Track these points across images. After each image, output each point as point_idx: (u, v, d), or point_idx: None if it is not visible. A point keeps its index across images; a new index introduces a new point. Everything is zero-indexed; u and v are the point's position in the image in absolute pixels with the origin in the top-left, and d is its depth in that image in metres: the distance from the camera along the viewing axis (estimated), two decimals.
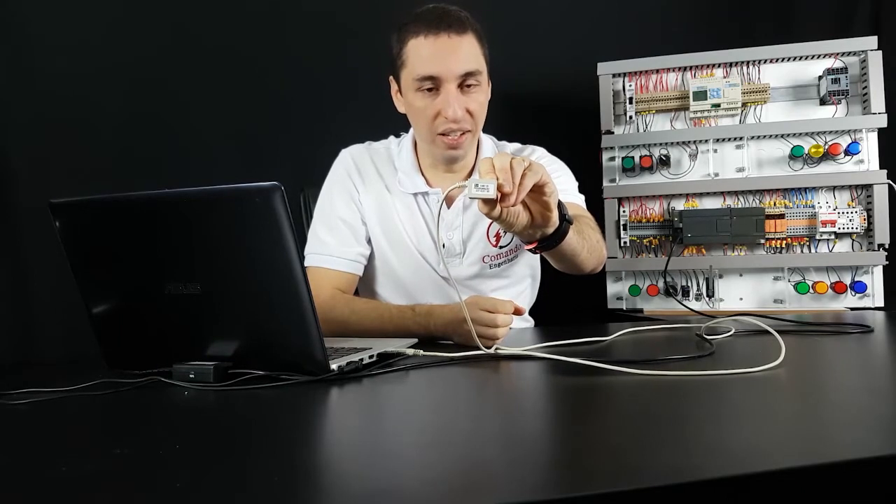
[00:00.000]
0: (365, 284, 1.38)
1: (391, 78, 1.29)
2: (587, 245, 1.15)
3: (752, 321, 1.06)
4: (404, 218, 1.32)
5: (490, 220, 1.29)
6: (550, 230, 0.98)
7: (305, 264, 1.24)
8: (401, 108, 1.30)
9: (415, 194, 1.32)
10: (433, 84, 1.17)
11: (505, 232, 1.32)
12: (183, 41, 1.82)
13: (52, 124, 1.69)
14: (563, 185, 1.33)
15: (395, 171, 1.34)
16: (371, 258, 1.35)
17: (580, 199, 1.36)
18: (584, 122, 1.84)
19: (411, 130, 1.36)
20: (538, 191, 0.91)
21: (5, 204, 1.66)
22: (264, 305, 0.80)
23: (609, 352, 1.01)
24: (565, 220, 1.01)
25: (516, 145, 1.44)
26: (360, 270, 1.33)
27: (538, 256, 1.39)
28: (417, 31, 1.17)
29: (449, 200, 1.33)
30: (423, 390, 0.77)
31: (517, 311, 1.06)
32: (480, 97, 1.21)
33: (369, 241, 1.34)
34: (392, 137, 1.42)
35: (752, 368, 0.74)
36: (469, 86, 1.18)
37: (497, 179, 0.85)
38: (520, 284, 1.41)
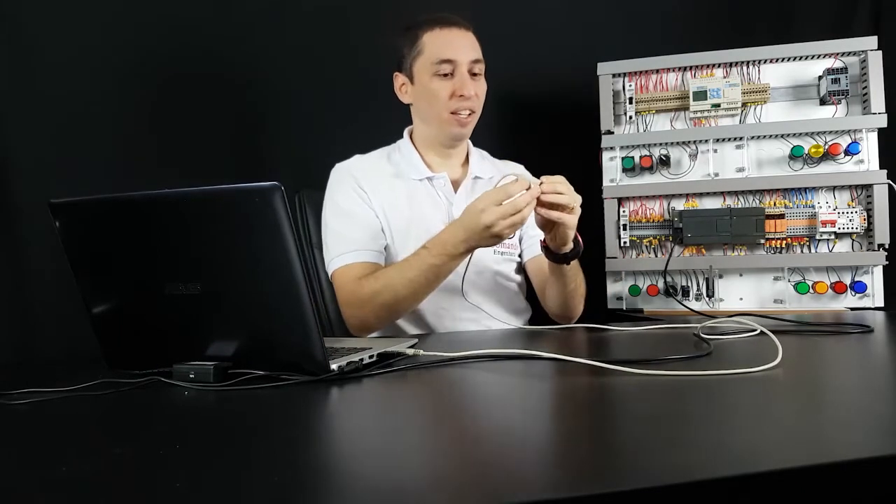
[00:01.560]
0: None
1: (396, 73, 1.41)
2: (576, 287, 1.34)
3: (749, 322, 1.06)
4: (415, 202, 1.39)
5: None
6: (558, 252, 1.22)
7: (337, 265, 1.31)
8: (406, 99, 1.42)
9: (419, 180, 1.41)
10: (450, 68, 1.33)
11: None
12: (182, 41, 1.82)
13: (52, 124, 1.68)
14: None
15: (397, 164, 1.43)
16: (391, 252, 1.39)
17: None
18: (584, 122, 1.83)
19: (407, 129, 1.47)
20: (560, 224, 1.14)
21: (5, 204, 1.66)
22: (264, 305, 0.80)
23: (608, 352, 1.01)
24: (574, 253, 1.23)
25: (495, 159, 1.56)
26: (383, 261, 1.37)
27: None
28: (431, 26, 1.35)
29: (455, 184, 1.42)
30: (423, 390, 0.77)
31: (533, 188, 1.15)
32: (484, 84, 1.38)
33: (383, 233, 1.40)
34: (381, 148, 1.49)
35: (750, 369, 0.74)
36: (476, 74, 1.35)
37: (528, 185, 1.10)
38: (516, 277, 1.46)
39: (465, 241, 1.15)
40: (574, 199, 1.13)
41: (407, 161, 1.42)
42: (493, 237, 1.11)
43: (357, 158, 1.45)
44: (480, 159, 1.49)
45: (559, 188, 1.11)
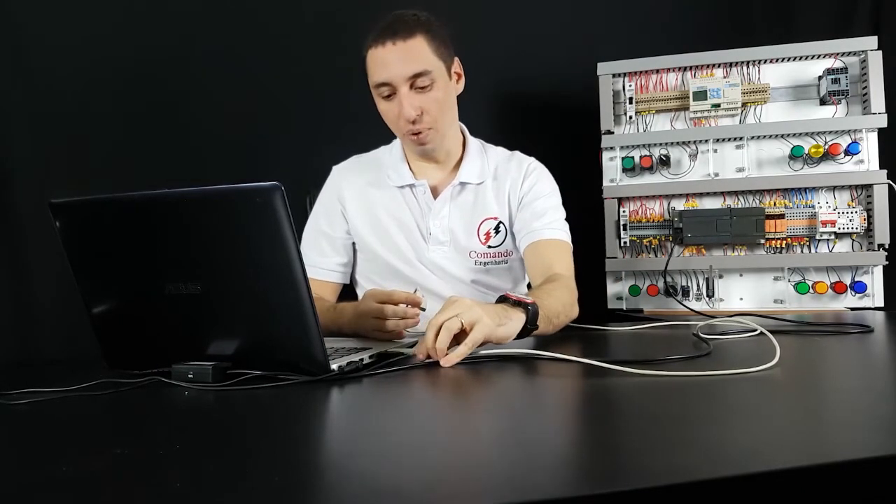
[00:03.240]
0: (372, 284, 1.42)
1: None
2: (553, 325, 1.11)
3: (749, 322, 1.06)
4: (392, 210, 1.38)
5: (482, 219, 1.37)
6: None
7: None
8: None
9: (401, 187, 1.38)
10: (388, 90, 1.24)
11: (496, 233, 1.38)
12: (184, 41, 1.82)
13: (52, 124, 1.69)
14: (548, 215, 1.35)
15: (385, 169, 1.40)
16: (370, 259, 1.40)
17: (564, 232, 1.36)
18: (584, 122, 1.84)
19: None
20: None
21: (5, 204, 1.66)
22: (264, 305, 0.80)
23: (608, 352, 1.01)
24: (527, 330, 0.99)
25: (502, 150, 1.47)
26: (338, 278, 1.42)
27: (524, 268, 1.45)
28: (371, 42, 1.23)
29: (434, 191, 1.38)
30: (423, 390, 0.77)
31: (415, 303, 1.07)
32: (436, 94, 1.25)
33: (355, 250, 1.42)
34: (380, 147, 1.48)
35: (750, 368, 0.74)
36: (422, 87, 1.23)
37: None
38: (504, 286, 1.41)
39: (351, 322, 1.12)
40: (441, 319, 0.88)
41: (392, 166, 1.39)
42: (363, 328, 1.08)
43: (350, 162, 1.46)
44: (477, 159, 1.39)
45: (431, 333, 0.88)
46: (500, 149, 1.47)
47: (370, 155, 1.47)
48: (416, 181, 1.36)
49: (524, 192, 1.38)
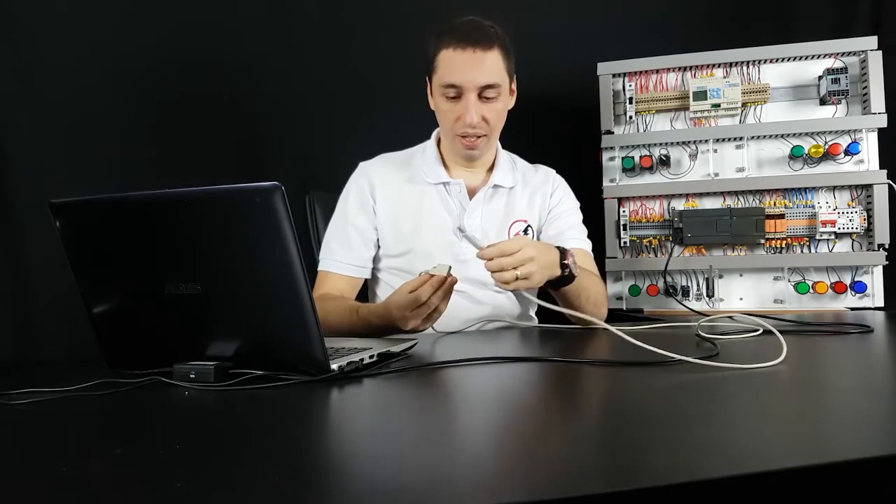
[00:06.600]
0: (396, 280, 1.41)
1: (427, 78, 1.39)
2: (584, 300, 1.27)
3: (754, 320, 1.06)
4: (424, 206, 1.40)
5: (513, 220, 1.42)
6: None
7: (320, 266, 1.40)
8: (432, 106, 1.40)
9: (437, 184, 1.41)
10: (456, 92, 1.29)
11: (524, 235, 1.43)
12: (185, 40, 1.82)
13: (52, 124, 1.68)
14: (573, 230, 1.44)
15: (419, 166, 1.43)
16: (392, 255, 1.41)
17: (587, 245, 1.44)
18: (584, 122, 1.83)
19: (436, 131, 1.47)
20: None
21: (5, 203, 1.66)
22: (264, 305, 0.80)
23: (609, 351, 1.01)
24: (559, 282, 1.18)
25: (525, 161, 1.53)
26: (362, 274, 1.42)
27: None
28: (450, 42, 1.28)
29: (471, 192, 1.41)
30: (423, 391, 0.77)
31: (450, 280, 1.08)
32: (497, 106, 1.32)
33: (379, 245, 1.42)
34: (410, 148, 1.51)
35: (752, 366, 0.74)
36: (488, 97, 1.30)
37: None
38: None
39: (384, 318, 1.12)
40: (504, 264, 1.07)
41: (427, 164, 1.42)
42: (407, 321, 1.09)
43: (379, 159, 1.47)
44: (508, 167, 1.46)
45: (492, 254, 1.08)
46: (523, 160, 1.53)
47: (400, 154, 1.49)
48: (453, 180, 1.40)
49: (553, 204, 1.45)
